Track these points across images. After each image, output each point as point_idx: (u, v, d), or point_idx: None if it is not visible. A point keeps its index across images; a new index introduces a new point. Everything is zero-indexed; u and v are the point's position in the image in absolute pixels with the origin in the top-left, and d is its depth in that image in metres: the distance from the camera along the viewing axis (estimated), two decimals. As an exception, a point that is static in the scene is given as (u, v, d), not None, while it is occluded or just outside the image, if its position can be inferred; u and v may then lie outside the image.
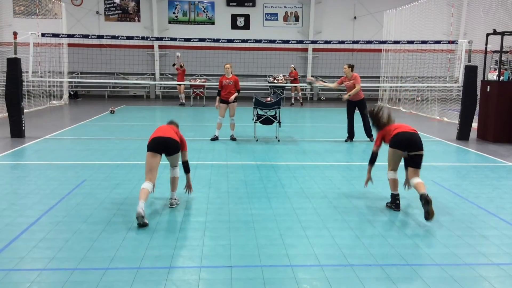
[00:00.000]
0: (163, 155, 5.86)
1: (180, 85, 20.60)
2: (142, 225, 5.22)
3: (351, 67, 11.60)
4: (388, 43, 18.32)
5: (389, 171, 6.14)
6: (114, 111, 16.75)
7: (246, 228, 5.31)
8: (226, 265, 4.32)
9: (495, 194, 6.89)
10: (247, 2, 24.68)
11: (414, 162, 5.85)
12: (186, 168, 6.17)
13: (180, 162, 6.16)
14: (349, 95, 11.38)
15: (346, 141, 11.52)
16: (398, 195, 6.10)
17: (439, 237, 5.12)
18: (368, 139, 11.50)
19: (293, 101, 22.02)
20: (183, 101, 21.05)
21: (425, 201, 5.35)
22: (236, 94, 11.37)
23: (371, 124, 6.60)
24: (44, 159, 9.02)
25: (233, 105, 11.42)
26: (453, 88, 22.19)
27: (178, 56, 20.37)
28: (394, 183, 6.10)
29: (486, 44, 12.62)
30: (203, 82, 21.59)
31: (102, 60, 22.15)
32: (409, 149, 5.87)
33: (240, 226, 5.37)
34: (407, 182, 6.26)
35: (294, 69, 21.79)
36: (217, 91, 11.62)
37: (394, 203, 6.08)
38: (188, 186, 6.24)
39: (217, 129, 11.33)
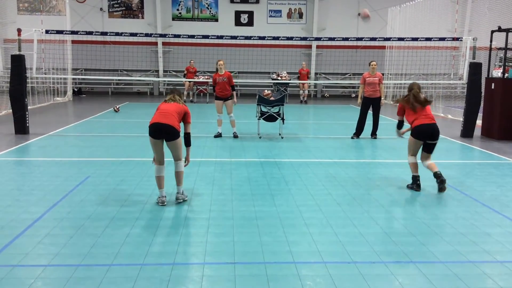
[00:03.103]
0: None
1: (190, 81, 20.69)
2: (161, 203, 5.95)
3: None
4: (392, 40, 18.26)
5: (409, 156, 6.96)
6: (118, 109, 16.50)
7: (250, 225, 5.31)
8: (230, 261, 4.33)
9: (499, 192, 6.87)
10: (251, -1, 24.65)
11: (428, 149, 6.85)
12: (187, 140, 6.22)
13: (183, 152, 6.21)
14: (383, 98, 11.55)
15: (352, 137, 11.50)
16: (418, 176, 6.89)
17: (443, 235, 5.12)
18: (371, 137, 11.49)
19: (304, 98, 21.84)
20: (185, 98, 21.12)
21: (440, 180, 6.57)
22: (234, 93, 11.35)
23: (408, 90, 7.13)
24: (48, 155, 9.05)
25: (228, 102, 11.31)
26: (457, 85, 22.12)
27: None
28: (414, 166, 6.93)
29: (491, 41, 12.55)
30: (207, 79, 21.60)
31: (106, 57, 22.15)
32: (427, 139, 6.80)
33: (244, 223, 5.38)
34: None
35: (306, 67, 21.83)
36: (212, 88, 11.54)
37: (416, 184, 6.87)
38: (187, 159, 6.27)
39: (219, 126, 11.33)
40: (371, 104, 11.43)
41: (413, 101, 6.80)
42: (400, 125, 7.35)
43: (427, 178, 6.98)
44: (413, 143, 6.85)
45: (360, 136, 11.52)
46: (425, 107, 6.82)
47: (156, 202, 6.01)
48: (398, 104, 7.23)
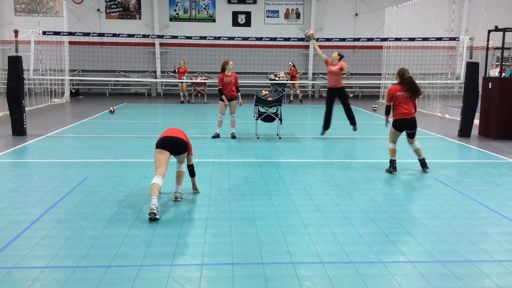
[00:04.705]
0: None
1: (182, 83, 20.72)
2: (153, 219, 5.37)
3: (341, 57, 11.52)
4: (390, 40, 18.28)
5: (390, 143, 8.04)
6: (113, 110, 16.22)
7: (248, 225, 5.31)
8: (228, 262, 4.33)
9: (497, 191, 6.89)
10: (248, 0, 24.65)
11: (410, 136, 8.06)
12: (191, 172, 6.38)
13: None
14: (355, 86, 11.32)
15: (322, 134, 11.50)
16: (395, 160, 7.93)
17: (441, 234, 5.12)
18: (353, 129, 11.49)
19: (291, 98, 22.01)
20: (183, 99, 21.14)
21: (422, 165, 7.97)
22: (239, 94, 11.39)
23: (396, 75, 8.24)
24: (46, 157, 9.04)
25: (233, 102, 11.39)
26: (455, 85, 22.17)
27: None
28: (393, 152, 7.99)
29: (488, 41, 12.58)
30: (204, 79, 21.59)
31: (103, 58, 22.14)
32: (406, 130, 7.97)
33: (242, 223, 5.38)
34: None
35: (293, 66, 21.74)
36: (218, 89, 11.41)
37: (392, 166, 7.89)
38: (195, 189, 6.54)
39: (218, 126, 11.33)
40: (336, 95, 11.40)
41: (411, 86, 7.82)
42: (388, 110, 8.18)
43: (426, 177, 6.98)
44: (394, 133, 8.01)
45: (328, 129, 11.46)
46: (413, 99, 7.89)
47: (148, 213, 5.38)
48: (388, 90, 8.26)
